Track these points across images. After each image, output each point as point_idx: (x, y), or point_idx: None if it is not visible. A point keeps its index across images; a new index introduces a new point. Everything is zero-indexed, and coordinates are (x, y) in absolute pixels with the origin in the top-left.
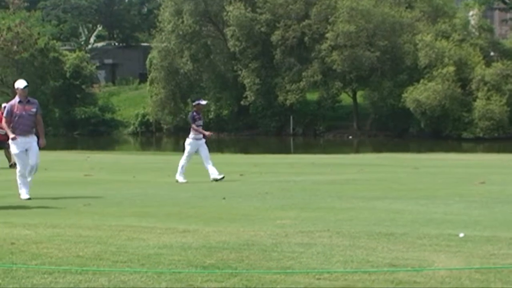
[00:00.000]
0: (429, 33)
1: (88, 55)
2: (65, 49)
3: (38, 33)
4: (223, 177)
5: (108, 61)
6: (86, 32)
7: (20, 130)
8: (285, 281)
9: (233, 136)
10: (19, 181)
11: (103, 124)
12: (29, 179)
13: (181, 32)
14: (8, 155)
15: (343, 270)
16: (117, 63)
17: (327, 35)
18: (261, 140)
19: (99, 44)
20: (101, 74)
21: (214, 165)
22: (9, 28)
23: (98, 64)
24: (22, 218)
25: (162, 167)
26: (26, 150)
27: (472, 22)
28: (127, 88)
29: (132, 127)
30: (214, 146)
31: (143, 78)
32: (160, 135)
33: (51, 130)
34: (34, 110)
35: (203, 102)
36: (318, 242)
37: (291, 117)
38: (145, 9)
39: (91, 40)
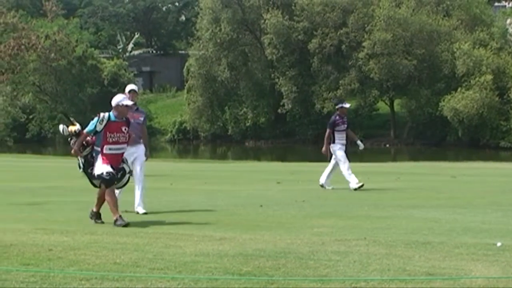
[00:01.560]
0: (466, 41)
1: (126, 62)
2: (103, 57)
3: (76, 41)
4: (362, 185)
5: (146, 68)
6: (124, 40)
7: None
8: None
9: (270, 144)
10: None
11: None
12: (139, 191)
13: (218, 40)
14: None
15: (380, 278)
16: (155, 71)
17: (364, 43)
18: (298, 148)
19: (137, 52)
20: (139, 81)
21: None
22: (47, 36)
23: (135, 71)
24: (60, 225)
25: (199, 175)
26: (133, 160)
27: (510, 30)
28: (165, 95)
29: (169, 134)
30: (251, 154)
31: (181, 86)
32: (198, 143)
33: None
34: (141, 119)
35: (347, 105)
36: (355, 250)
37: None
38: (183, 17)
39: (129, 47)
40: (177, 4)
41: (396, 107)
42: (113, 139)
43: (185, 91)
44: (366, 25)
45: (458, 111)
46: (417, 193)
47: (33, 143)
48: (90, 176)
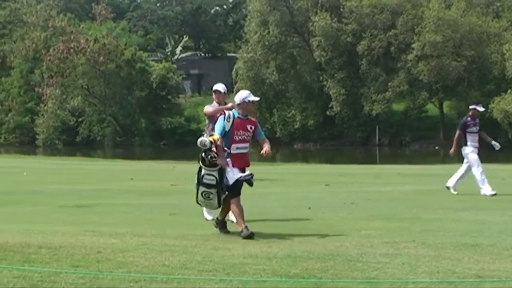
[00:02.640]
0: None
1: (174, 65)
2: (152, 60)
3: (125, 44)
4: (495, 194)
5: (194, 71)
6: (172, 43)
7: None
8: None
9: (318, 146)
10: None
11: (189, 134)
12: None
13: (267, 43)
14: None
15: (429, 281)
16: (203, 74)
17: (413, 45)
18: (346, 150)
19: (185, 55)
20: (187, 84)
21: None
22: (96, 39)
23: (184, 74)
24: (109, 227)
25: None
26: None
27: None
28: (213, 98)
29: None
30: (300, 156)
31: (229, 88)
32: None
33: (137, 140)
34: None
35: (481, 109)
36: (404, 252)
37: (377, 127)
38: (231, 20)
39: (177, 50)
40: (225, 6)
41: (445, 109)
42: (240, 137)
43: (233, 93)
44: (415, 27)
45: (508, 113)
46: (467, 195)
47: (82, 146)
48: (221, 190)
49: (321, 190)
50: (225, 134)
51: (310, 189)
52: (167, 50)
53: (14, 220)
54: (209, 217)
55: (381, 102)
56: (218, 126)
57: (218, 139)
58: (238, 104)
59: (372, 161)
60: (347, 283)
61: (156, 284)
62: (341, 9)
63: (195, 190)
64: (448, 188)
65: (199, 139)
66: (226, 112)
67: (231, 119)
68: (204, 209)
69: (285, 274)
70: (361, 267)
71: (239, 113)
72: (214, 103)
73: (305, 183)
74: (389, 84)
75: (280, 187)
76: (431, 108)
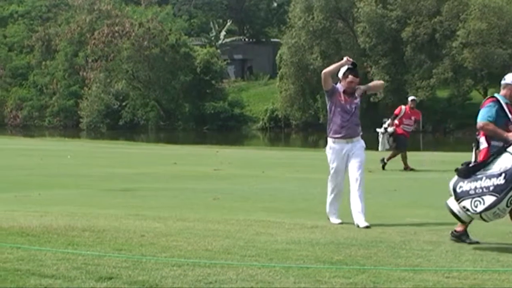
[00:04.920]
0: None
1: (218, 50)
2: (196, 45)
3: (170, 29)
4: None
5: (238, 56)
6: (217, 28)
7: None
8: (413, 278)
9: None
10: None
11: (232, 119)
12: (359, 199)
13: (311, 28)
14: (404, 158)
15: (472, 269)
16: (247, 59)
17: (459, 32)
18: None
19: (229, 40)
20: (231, 69)
21: None
22: (140, 24)
23: (228, 59)
24: (152, 211)
25: (291, 163)
26: (347, 157)
27: None
28: (257, 83)
29: (261, 122)
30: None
31: (273, 73)
32: (289, 131)
33: (181, 125)
34: (357, 102)
35: None
36: (447, 240)
37: (421, 114)
38: (275, 4)
39: (221, 35)
40: None
41: None
42: None
43: (277, 79)
44: (460, 14)
45: None
46: None
47: (125, 130)
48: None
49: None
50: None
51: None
52: (211, 35)
53: (58, 202)
54: (337, 221)
55: (425, 89)
56: (486, 113)
57: None
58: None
59: (416, 148)
60: (390, 270)
61: (199, 268)
62: None
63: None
64: None
65: None
66: (492, 97)
67: (497, 106)
68: (332, 211)
69: (328, 260)
70: (405, 254)
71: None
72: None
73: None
74: (434, 71)
75: (323, 173)
76: (476, 96)
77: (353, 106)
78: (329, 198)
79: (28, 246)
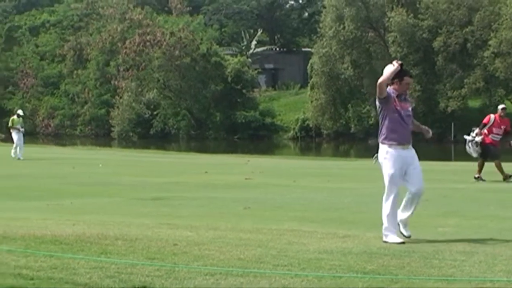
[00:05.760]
0: None
1: (249, 60)
2: (227, 54)
3: (201, 38)
4: None
5: (269, 66)
6: (248, 37)
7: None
8: None
9: None
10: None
11: (263, 128)
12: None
13: (342, 38)
14: (499, 168)
15: (506, 280)
16: (278, 68)
17: (490, 41)
18: (421, 147)
19: (260, 49)
20: (262, 79)
21: None
22: (172, 33)
23: (259, 69)
24: (184, 220)
25: (322, 172)
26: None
27: None
28: (288, 93)
29: (292, 132)
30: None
31: (304, 83)
32: (320, 140)
33: (212, 134)
34: (410, 109)
35: None
36: (480, 250)
37: (452, 124)
38: (306, 14)
39: (252, 45)
40: (300, 1)
41: None
42: None
43: (308, 88)
44: (492, 23)
45: None
46: None
47: (157, 139)
48: None
49: None
50: None
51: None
52: (242, 44)
53: (91, 211)
54: (398, 240)
55: (457, 99)
56: None
57: None
58: None
59: (447, 158)
60: (423, 280)
61: (232, 277)
62: (417, 5)
63: None
64: None
65: None
66: None
67: None
68: (392, 228)
69: (361, 270)
70: (438, 265)
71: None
72: None
73: (380, 179)
74: (465, 80)
75: (355, 182)
76: (508, 106)
77: (408, 112)
78: (387, 209)
79: (61, 254)
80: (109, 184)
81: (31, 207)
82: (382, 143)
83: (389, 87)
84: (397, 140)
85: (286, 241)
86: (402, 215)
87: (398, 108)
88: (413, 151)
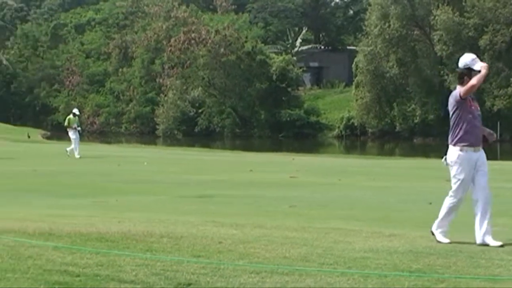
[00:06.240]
0: None
1: (294, 58)
2: (272, 52)
3: (246, 36)
4: None
5: (314, 64)
6: (292, 35)
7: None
8: None
9: (438, 141)
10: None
11: (308, 126)
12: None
13: (387, 36)
14: None
15: None
16: (323, 66)
17: None
18: None
19: (305, 47)
20: (306, 77)
21: None
22: (217, 31)
23: (303, 67)
24: (229, 218)
25: (368, 171)
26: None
27: None
28: (332, 91)
29: (337, 130)
30: (419, 151)
31: (349, 81)
32: (365, 139)
33: (256, 132)
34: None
35: None
36: None
37: (498, 123)
38: (351, 12)
39: (297, 43)
40: None
41: None
42: None
43: (353, 86)
44: None
45: None
46: None
47: (201, 137)
48: None
49: (441, 185)
50: None
51: (430, 184)
52: (287, 43)
53: (136, 209)
54: (446, 240)
55: (503, 98)
56: None
57: None
58: None
59: (493, 157)
60: (469, 279)
61: (278, 276)
62: (463, 3)
63: None
64: None
65: None
66: None
67: None
68: (444, 228)
69: (407, 269)
70: (484, 264)
71: None
72: None
73: (425, 178)
74: (511, 79)
75: (400, 181)
76: None
77: (479, 111)
78: (445, 212)
79: (107, 251)
80: (154, 182)
81: (77, 204)
82: (455, 145)
83: (458, 86)
84: (470, 141)
85: (331, 239)
86: (481, 225)
87: (473, 108)
88: (483, 153)
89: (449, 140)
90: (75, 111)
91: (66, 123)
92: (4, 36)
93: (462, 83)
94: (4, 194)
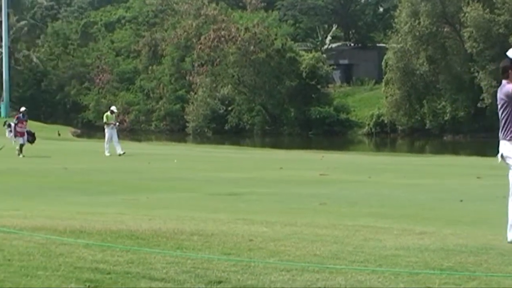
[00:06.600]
0: None
1: (324, 55)
2: (301, 49)
3: (275, 34)
4: None
5: (344, 61)
6: (322, 33)
7: None
8: None
9: (468, 138)
10: None
11: (338, 124)
12: None
13: (417, 33)
14: None
15: None
16: (352, 64)
17: None
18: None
19: (335, 45)
20: (336, 74)
21: None
22: (246, 29)
23: (333, 64)
24: (259, 215)
25: (398, 168)
26: None
27: None
28: (362, 88)
29: (366, 127)
30: (449, 148)
31: (379, 78)
32: (395, 136)
33: (286, 130)
34: None
35: None
36: None
37: None
38: (381, 9)
39: (327, 40)
40: None
41: None
42: None
43: (383, 84)
44: None
45: None
46: None
47: (231, 134)
48: None
49: (472, 182)
50: None
51: (461, 181)
52: (316, 40)
53: (166, 206)
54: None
55: None
56: None
57: None
58: None
59: None
60: (501, 277)
61: (308, 273)
62: (494, 0)
63: None
64: None
65: None
66: None
67: None
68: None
69: (438, 267)
70: None
71: None
72: None
73: (456, 175)
74: None
75: (430, 178)
76: None
77: None
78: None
79: (138, 249)
80: (184, 180)
81: (108, 202)
82: (510, 140)
83: (504, 81)
84: None
85: (362, 237)
86: None
87: None
88: None
89: (502, 136)
90: (113, 108)
91: (104, 120)
92: (35, 35)
93: (507, 77)
94: (35, 191)
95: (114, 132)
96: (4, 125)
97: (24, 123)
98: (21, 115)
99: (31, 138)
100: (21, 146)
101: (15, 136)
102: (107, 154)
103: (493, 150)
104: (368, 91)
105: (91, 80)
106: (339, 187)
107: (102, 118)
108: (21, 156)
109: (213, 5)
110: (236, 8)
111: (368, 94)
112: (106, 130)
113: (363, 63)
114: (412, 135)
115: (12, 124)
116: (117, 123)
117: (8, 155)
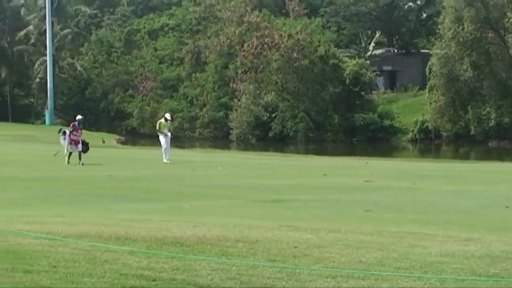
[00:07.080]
0: None
1: (367, 61)
2: (345, 56)
3: (319, 40)
4: None
5: (387, 67)
6: (365, 39)
7: None
8: None
9: None
10: None
11: (382, 130)
12: None
13: (461, 39)
14: None
15: None
16: (396, 70)
17: None
18: None
19: (378, 51)
20: (380, 80)
21: None
22: (290, 35)
23: (377, 71)
24: (304, 222)
25: (442, 175)
26: None
27: None
28: (406, 95)
29: (410, 134)
30: (495, 154)
31: (423, 85)
32: (439, 142)
33: (330, 136)
34: None
35: None
36: None
37: None
38: (424, 15)
39: (370, 47)
40: (418, 2)
41: None
42: None
43: (427, 90)
44: None
45: None
46: None
47: (275, 141)
48: None
49: None
50: None
51: (506, 188)
52: (360, 46)
53: (211, 213)
54: None
55: None
56: None
57: None
58: None
59: None
60: None
61: (353, 280)
62: None
63: None
64: None
65: None
66: None
67: None
68: None
69: (484, 273)
70: None
71: None
72: None
73: (501, 182)
74: None
75: (475, 185)
76: None
77: None
78: None
79: (183, 256)
80: (228, 187)
81: (152, 209)
82: None
83: None
84: None
85: (407, 244)
86: None
87: None
88: None
89: None
90: (167, 115)
91: (157, 127)
92: (79, 43)
93: None
94: (80, 199)
95: (168, 139)
96: (59, 132)
97: (79, 131)
98: (76, 123)
99: (85, 148)
100: (70, 154)
101: (70, 143)
102: (165, 161)
103: None
104: (412, 97)
105: (134, 87)
106: (383, 193)
107: (146, 125)
108: (68, 163)
109: (256, 12)
110: (279, 15)
111: (412, 100)
112: (160, 137)
113: (406, 69)
114: (457, 141)
115: (67, 132)
116: (170, 133)
117: (58, 162)
